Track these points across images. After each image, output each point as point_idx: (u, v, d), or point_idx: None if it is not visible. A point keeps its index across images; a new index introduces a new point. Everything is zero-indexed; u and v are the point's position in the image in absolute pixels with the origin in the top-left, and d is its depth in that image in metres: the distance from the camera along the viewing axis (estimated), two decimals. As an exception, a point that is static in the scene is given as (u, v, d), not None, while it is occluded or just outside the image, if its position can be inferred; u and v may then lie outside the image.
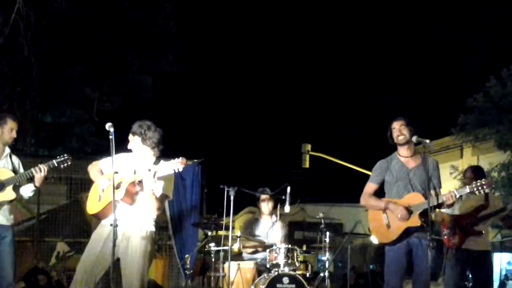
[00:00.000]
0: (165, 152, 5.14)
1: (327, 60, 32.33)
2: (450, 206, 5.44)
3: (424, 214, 5.27)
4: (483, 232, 6.34)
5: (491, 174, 15.16)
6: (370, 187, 5.66)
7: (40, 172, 5.54)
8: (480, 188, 5.23)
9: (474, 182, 5.30)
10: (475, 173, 6.49)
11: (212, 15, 24.42)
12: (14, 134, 5.76)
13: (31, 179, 5.64)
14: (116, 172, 4.82)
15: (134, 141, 5.04)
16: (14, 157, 5.84)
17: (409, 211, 5.30)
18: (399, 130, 5.48)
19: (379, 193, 5.72)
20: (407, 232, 5.35)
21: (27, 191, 5.71)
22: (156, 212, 5.01)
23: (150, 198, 4.90)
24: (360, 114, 27.15)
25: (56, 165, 5.59)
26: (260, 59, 31.70)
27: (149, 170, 4.79)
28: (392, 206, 5.38)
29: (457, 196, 5.30)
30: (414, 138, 5.33)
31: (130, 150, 5.11)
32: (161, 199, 5.01)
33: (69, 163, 5.64)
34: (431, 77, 24.64)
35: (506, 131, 14.95)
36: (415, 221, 5.28)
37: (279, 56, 35.02)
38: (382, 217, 5.46)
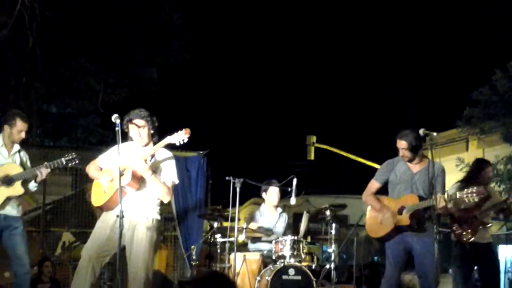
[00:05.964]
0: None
1: (332, 52, 32.27)
2: (442, 209, 5.42)
3: (415, 215, 5.46)
4: (491, 223, 6.35)
5: (497, 167, 15.15)
6: (374, 185, 5.90)
7: (42, 175, 5.68)
8: (470, 195, 5.30)
9: (465, 189, 5.35)
10: (475, 166, 6.51)
11: (217, 6, 24.35)
12: (22, 135, 5.85)
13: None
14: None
15: (144, 127, 5.04)
16: (22, 153, 5.95)
17: (400, 212, 5.53)
18: (401, 152, 5.65)
19: (383, 191, 5.94)
20: (397, 230, 5.59)
21: (32, 186, 5.87)
22: (168, 198, 5.06)
23: (157, 184, 4.96)
24: (365, 107, 27.13)
25: (64, 163, 5.72)
26: (266, 50, 31.69)
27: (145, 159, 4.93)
28: (385, 211, 5.68)
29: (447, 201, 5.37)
30: (421, 131, 5.35)
31: (127, 139, 5.12)
32: (172, 185, 5.09)
33: (77, 161, 5.75)
34: (437, 69, 24.59)
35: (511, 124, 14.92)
36: (405, 220, 5.49)
37: (285, 48, 34.97)
38: (378, 214, 5.73)
